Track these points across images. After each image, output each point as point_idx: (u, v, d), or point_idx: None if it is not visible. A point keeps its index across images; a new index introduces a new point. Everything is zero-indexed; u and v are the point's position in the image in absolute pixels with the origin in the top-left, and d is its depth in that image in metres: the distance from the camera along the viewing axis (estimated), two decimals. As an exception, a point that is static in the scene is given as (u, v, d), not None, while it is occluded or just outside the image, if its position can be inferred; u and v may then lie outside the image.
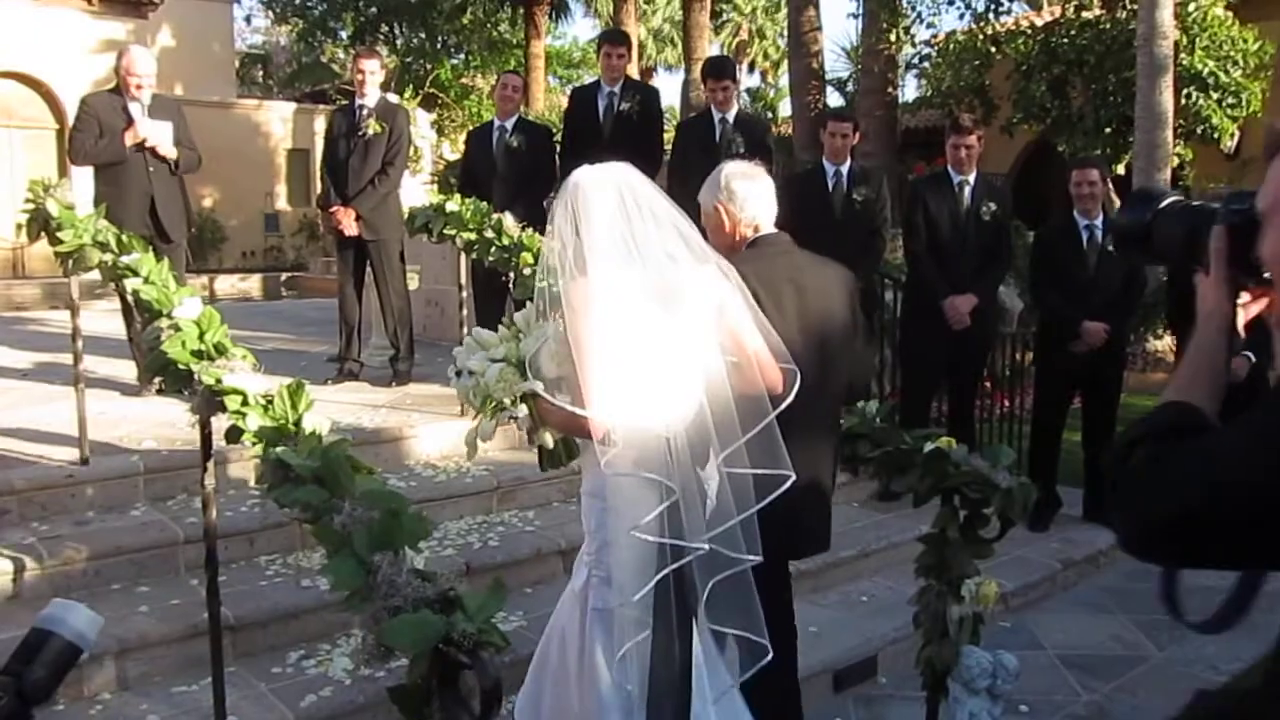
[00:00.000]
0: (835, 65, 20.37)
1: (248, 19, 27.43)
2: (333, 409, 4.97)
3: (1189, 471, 1.18)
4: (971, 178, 5.70)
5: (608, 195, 2.56)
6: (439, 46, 22.54)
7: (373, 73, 6.10)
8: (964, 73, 13.75)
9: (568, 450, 2.81)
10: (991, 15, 13.59)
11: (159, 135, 5.64)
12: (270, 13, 26.33)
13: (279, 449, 2.58)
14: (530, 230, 5.08)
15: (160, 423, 4.99)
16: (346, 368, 6.15)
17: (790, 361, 2.69)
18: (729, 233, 3.08)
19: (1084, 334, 5.48)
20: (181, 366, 3.01)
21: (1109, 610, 4.97)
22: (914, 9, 14.01)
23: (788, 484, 2.59)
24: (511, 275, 5.20)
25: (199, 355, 3.02)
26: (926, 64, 15.30)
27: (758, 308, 2.71)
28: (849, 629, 4.48)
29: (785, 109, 21.90)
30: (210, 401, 2.91)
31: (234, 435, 2.82)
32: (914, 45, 14.80)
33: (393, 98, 6.72)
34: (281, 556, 4.12)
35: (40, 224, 4.14)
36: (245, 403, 2.80)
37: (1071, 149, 12.43)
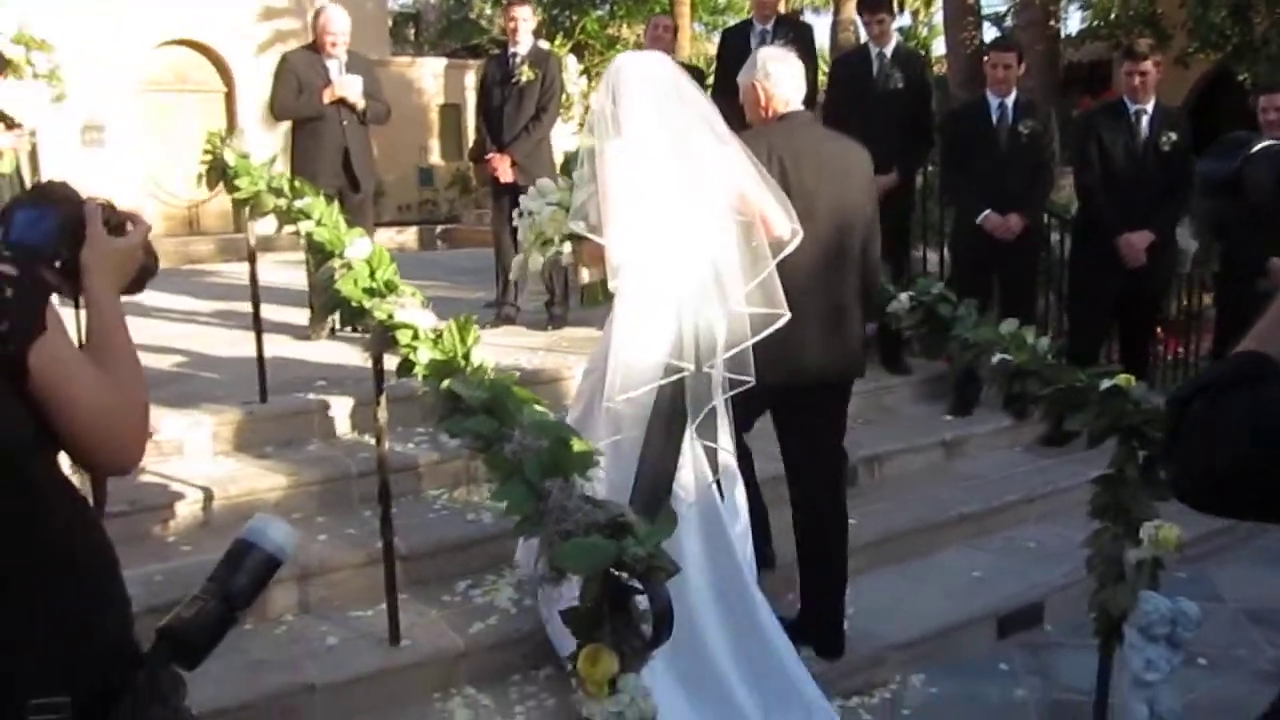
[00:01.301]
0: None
1: (399, -22, 28.02)
2: (492, 352, 5.06)
3: (1242, 419, 1.13)
4: (1149, 106, 5.37)
5: (642, 75, 3.11)
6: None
7: (525, 19, 6.14)
8: (1133, 1, 12.96)
9: (604, 290, 3.20)
10: (1165, -62, 12.74)
11: (352, 89, 5.85)
12: (421, -29, 26.79)
13: (450, 380, 2.65)
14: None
15: (329, 364, 5.20)
16: (504, 312, 6.27)
17: (796, 221, 3.15)
18: (763, 107, 3.46)
19: (1272, 271, 5.13)
20: (355, 304, 3.12)
21: (1297, 563, 4.69)
22: (1079, -65, 13.26)
23: (781, 321, 3.08)
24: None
25: (370, 293, 3.12)
26: (1092, -6, 14.49)
27: (769, 174, 3.17)
28: (1013, 575, 4.36)
29: (938, 47, 21.11)
30: (383, 337, 3.01)
31: (406, 369, 2.90)
32: (1079, -26, 14.03)
33: (544, 45, 6.75)
34: (448, 491, 4.25)
35: (218, 173, 4.33)
36: (416, 337, 2.88)
37: (1255, 77, 11.58)
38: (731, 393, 3.17)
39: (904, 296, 3.84)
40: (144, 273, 1.63)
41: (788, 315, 3.08)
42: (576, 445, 2.34)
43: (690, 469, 3.19)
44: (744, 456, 3.54)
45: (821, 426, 3.59)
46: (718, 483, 3.27)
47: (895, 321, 3.90)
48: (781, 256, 3.13)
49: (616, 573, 2.09)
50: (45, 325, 1.38)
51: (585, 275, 3.37)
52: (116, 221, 1.58)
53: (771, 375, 3.18)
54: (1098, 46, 15.07)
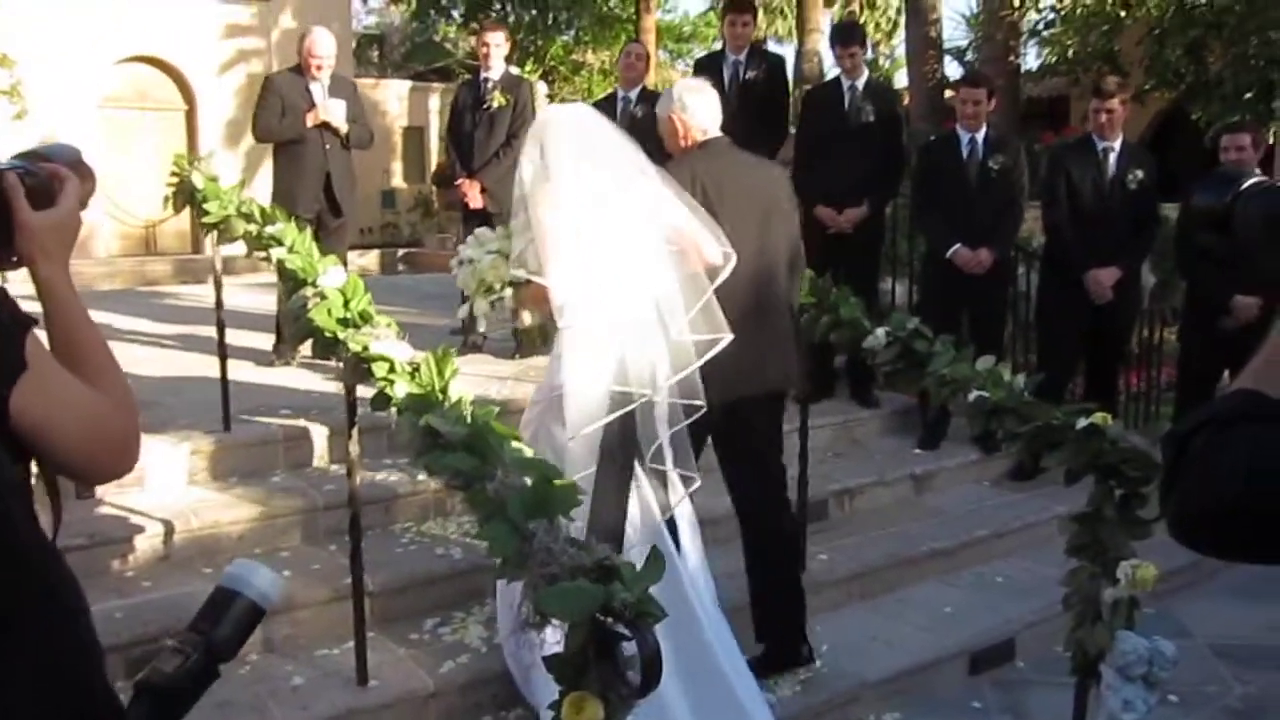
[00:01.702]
0: (954, 34, 19.75)
1: (364, 0, 27.96)
2: (459, 381, 5.00)
3: (1239, 458, 1.11)
4: (1116, 144, 5.44)
5: (568, 123, 3.27)
6: (550, 23, 22.58)
7: (498, 45, 6.13)
8: (1091, 38, 13.18)
9: (543, 335, 3.45)
10: (1122, -23, 12.98)
11: (336, 113, 5.81)
12: (386, -7, 26.73)
13: (428, 415, 2.59)
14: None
15: (294, 392, 5.11)
16: (470, 340, 6.21)
17: (728, 244, 3.25)
18: (682, 137, 3.61)
19: (1235, 309, 5.20)
20: (328, 334, 3.05)
21: (1263, 598, 4.71)
22: (1039, -27, 13.48)
23: (723, 343, 3.17)
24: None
25: (344, 323, 3.05)
26: (1050, 30, 14.71)
27: (695, 202, 3.28)
28: (985, 610, 4.35)
29: (900, 79, 21.39)
30: (357, 369, 2.94)
31: (382, 402, 2.84)
32: (1038, 11, 14.25)
33: (516, 71, 6.74)
34: (415, 525, 4.17)
35: (186, 196, 4.24)
36: (392, 370, 2.82)
37: (1208, 116, 11.82)
38: (686, 421, 3.23)
39: (880, 332, 3.83)
40: (84, 195, 1.47)
41: (730, 337, 3.19)
42: (560, 484, 2.29)
43: (637, 507, 3.24)
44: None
45: (764, 439, 3.67)
46: (669, 521, 3.31)
47: (870, 356, 3.89)
48: (720, 281, 3.24)
49: (603, 618, 2.04)
50: (26, 362, 1.31)
51: (525, 318, 3.63)
52: (41, 187, 1.41)
53: (713, 393, 3.26)
54: (1057, 82, 15.33)
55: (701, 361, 3.18)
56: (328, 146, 5.85)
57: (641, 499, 3.25)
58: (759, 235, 3.51)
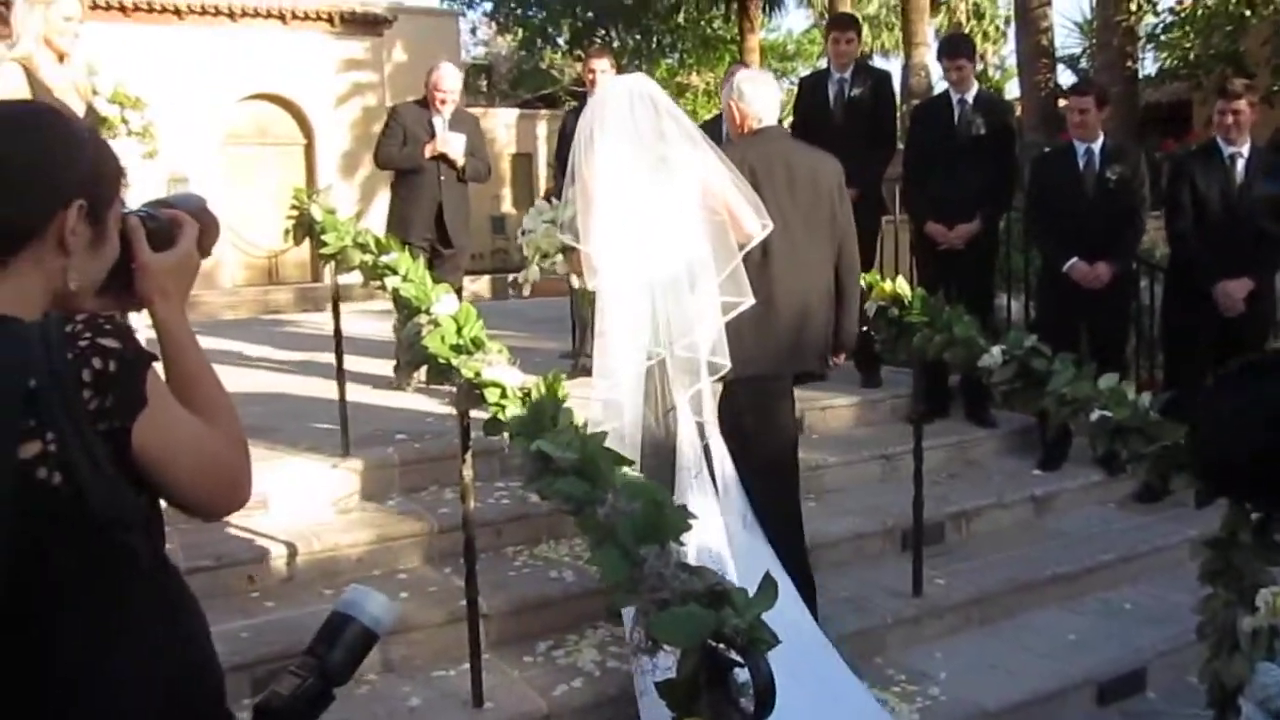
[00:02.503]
0: (1066, 41, 19.22)
1: (473, 30, 28.66)
2: (570, 404, 5.05)
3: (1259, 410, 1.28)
4: (1245, 149, 5.21)
5: (618, 92, 3.44)
6: (654, 47, 22.79)
7: (604, 71, 6.18)
8: (1214, 40, 12.69)
9: (589, 295, 3.58)
10: (1246, -25, 12.47)
11: (455, 146, 5.97)
12: (493, 23, 27.37)
13: (540, 440, 2.61)
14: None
15: (410, 416, 5.22)
16: (580, 363, 6.26)
17: (766, 218, 3.48)
18: (739, 124, 3.85)
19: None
20: (441, 360, 3.11)
21: None
22: (1156, -23, 13.05)
23: (745, 304, 3.41)
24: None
25: (458, 350, 3.11)
26: (1169, 34, 14.21)
27: (741, 178, 3.48)
28: (1112, 638, 4.18)
29: (1012, 89, 20.92)
30: (470, 395, 2.99)
31: (494, 427, 2.88)
32: (1155, 14, 13.78)
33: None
34: (528, 548, 4.20)
35: (305, 229, 4.38)
36: (504, 395, 2.86)
37: (1345, 116, 11.23)
38: (714, 377, 3.46)
39: (996, 350, 3.74)
40: (208, 245, 1.56)
41: (751, 300, 3.43)
42: (671, 509, 2.28)
43: (685, 440, 3.44)
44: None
45: (783, 411, 3.88)
46: (705, 449, 3.50)
47: (986, 376, 3.80)
48: (749, 248, 3.49)
49: (715, 644, 2.02)
50: (147, 398, 1.36)
51: (575, 282, 3.83)
52: (162, 231, 1.50)
53: (748, 368, 3.53)
54: (1177, 87, 14.78)
55: (728, 318, 3.42)
56: (442, 178, 6.00)
57: (685, 433, 3.44)
58: (805, 219, 3.71)
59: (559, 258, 3.68)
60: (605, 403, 3.36)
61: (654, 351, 3.36)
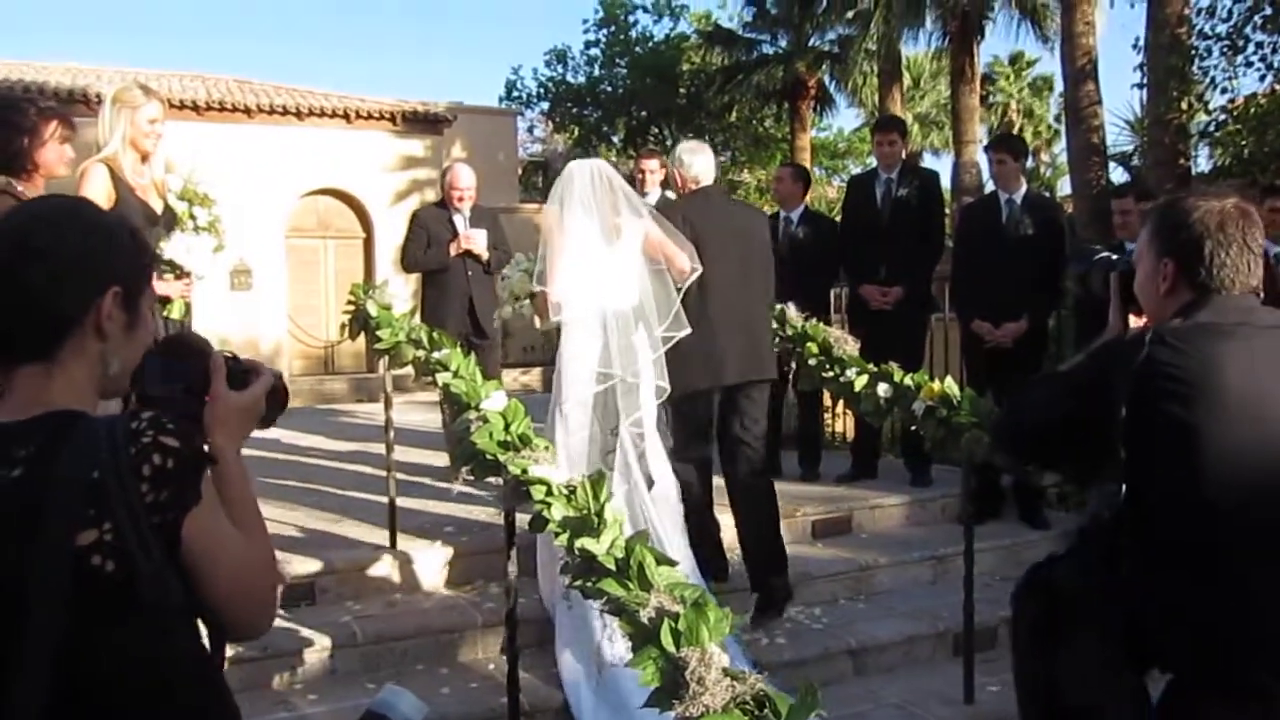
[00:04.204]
0: (1117, 139, 19.25)
1: (530, 129, 29.43)
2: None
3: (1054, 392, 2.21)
4: (1294, 248, 5.16)
5: (579, 172, 4.16)
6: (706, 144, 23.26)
7: (653, 171, 6.32)
8: (1268, 137, 12.65)
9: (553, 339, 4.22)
10: (1299, 74, 12.47)
11: (478, 242, 6.13)
12: (550, 122, 28.10)
13: (583, 539, 2.62)
14: (814, 320, 5.00)
15: (457, 510, 5.25)
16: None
17: (697, 261, 4.18)
18: (681, 186, 4.64)
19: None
20: (489, 456, 3.15)
21: None
22: (1207, 75, 13.08)
23: (681, 334, 4.11)
24: (794, 365, 5.14)
25: (505, 446, 3.14)
26: (1222, 130, 14.19)
27: (677, 231, 4.20)
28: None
29: (1064, 187, 20.93)
30: (516, 491, 3.01)
31: (539, 524, 2.89)
32: (1208, 112, 13.79)
33: (671, 195, 6.91)
34: (572, 645, 4.16)
35: (360, 324, 4.49)
36: (550, 493, 2.88)
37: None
38: (659, 400, 4.14)
39: (1046, 452, 3.69)
40: (275, 409, 1.66)
41: (688, 330, 4.13)
42: (714, 613, 2.27)
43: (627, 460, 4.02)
44: (703, 467, 4.44)
45: (748, 415, 4.45)
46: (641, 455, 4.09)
47: (1037, 479, 3.75)
48: (687, 284, 4.19)
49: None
50: (200, 496, 1.41)
51: (538, 323, 4.39)
52: (240, 373, 1.61)
53: (704, 380, 4.28)
54: (1233, 183, 14.70)
55: (666, 348, 4.11)
56: (469, 273, 6.15)
57: (624, 455, 4.03)
58: (739, 260, 4.43)
59: (527, 302, 4.46)
60: (563, 417, 4.01)
61: (607, 375, 4.00)
